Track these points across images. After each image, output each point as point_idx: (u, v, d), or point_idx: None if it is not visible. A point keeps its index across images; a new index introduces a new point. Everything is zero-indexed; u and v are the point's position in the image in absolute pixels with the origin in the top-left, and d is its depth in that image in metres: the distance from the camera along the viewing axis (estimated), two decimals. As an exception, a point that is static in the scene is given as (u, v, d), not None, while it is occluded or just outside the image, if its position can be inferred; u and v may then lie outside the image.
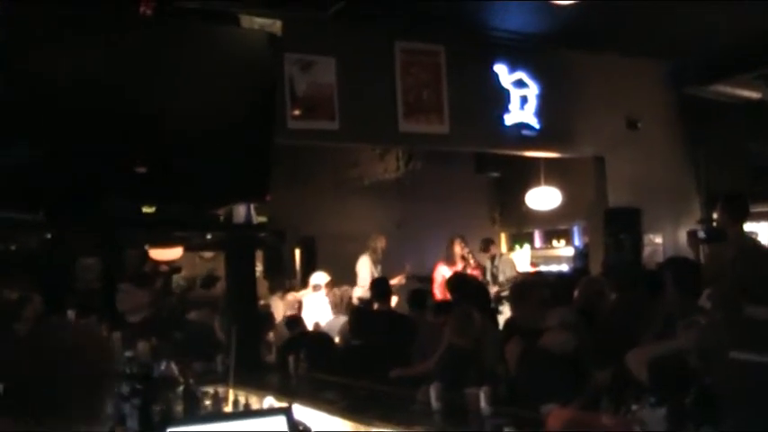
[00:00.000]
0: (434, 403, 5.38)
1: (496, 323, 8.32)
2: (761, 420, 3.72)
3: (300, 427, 3.85)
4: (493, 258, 12.80)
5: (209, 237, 7.22)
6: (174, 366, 3.55)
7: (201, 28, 4.71)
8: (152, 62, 4.49)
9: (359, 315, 8.87)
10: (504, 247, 15.49)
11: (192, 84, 4.51)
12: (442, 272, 11.54)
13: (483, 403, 5.09)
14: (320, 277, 10.62)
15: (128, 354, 3.74)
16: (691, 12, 9.27)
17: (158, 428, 3.27)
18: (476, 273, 11.51)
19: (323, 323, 9.50)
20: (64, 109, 4.17)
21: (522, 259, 14.41)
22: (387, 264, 11.78)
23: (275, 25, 4.92)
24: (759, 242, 8.08)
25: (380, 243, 11.78)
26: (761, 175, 11.90)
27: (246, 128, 4.67)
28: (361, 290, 9.60)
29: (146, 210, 4.48)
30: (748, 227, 7.48)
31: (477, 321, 7.01)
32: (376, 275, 11.17)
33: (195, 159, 4.49)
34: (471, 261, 11.59)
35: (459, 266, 11.51)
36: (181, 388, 3.53)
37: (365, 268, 11.50)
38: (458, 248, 11.63)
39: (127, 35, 4.53)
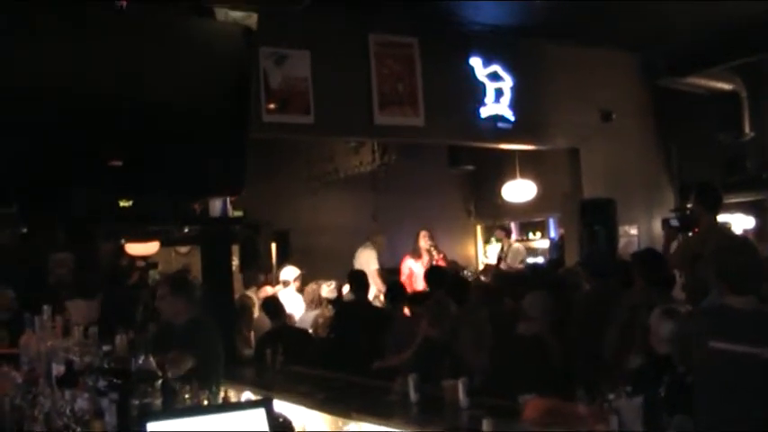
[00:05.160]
0: (412, 395, 5.39)
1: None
2: (737, 408, 3.76)
3: (280, 419, 3.85)
4: (502, 247, 13.32)
5: (186, 230, 7.20)
6: (152, 360, 3.53)
7: (177, 21, 4.69)
8: (127, 55, 4.47)
9: (339, 308, 8.89)
10: (479, 239, 15.58)
11: (168, 77, 4.50)
12: (409, 264, 11.77)
13: (461, 394, 5.11)
14: (290, 272, 10.60)
15: (105, 348, 3.71)
16: (663, 4, 9.35)
17: (137, 423, 3.26)
18: (442, 264, 11.63)
19: (296, 318, 9.50)
20: (38, 102, 4.14)
21: (497, 252, 14.50)
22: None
23: (251, 18, 4.91)
24: (733, 232, 8.16)
25: (383, 238, 11.97)
26: (733, 165, 12.03)
27: (222, 121, 4.66)
28: (327, 289, 9.61)
29: (122, 203, 4.46)
30: (721, 218, 7.55)
31: (453, 313, 7.06)
32: (374, 264, 11.46)
33: (171, 152, 4.48)
34: (435, 254, 11.71)
35: (425, 259, 11.65)
36: (159, 382, 3.51)
37: (372, 261, 11.59)
38: (423, 242, 11.77)
39: (102, 28, 4.50)
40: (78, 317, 6.33)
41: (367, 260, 11.64)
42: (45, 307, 4.38)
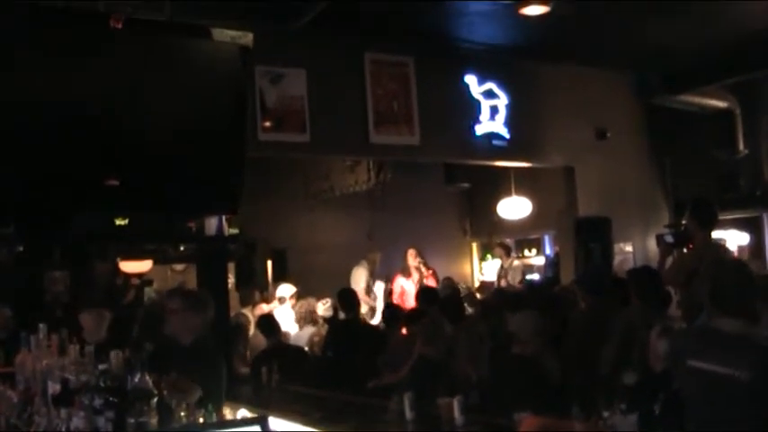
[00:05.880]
0: (408, 413, 5.39)
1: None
2: (719, 427, 3.78)
3: (275, 438, 3.85)
4: (502, 265, 13.45)
5: (181, 249, 7.18)
6: (147, 378, 3.53)
7: (172, 41, 4.71)
8: (123, 75, 4.49)
9: (333, 327, 8.90)
10: (475, 256, 15.60)
11: (164, 96, 4.52)
12: (401, 283, 11.89)
13: (456, 412, 5.11)
14: (286, 289, 10.61)
15: (101, 366, 3.71)
16: (657, 24, 9.42)
17: (133, 441, 3.27)
18: (431, 280, 11.71)
19: (291, 335, 9.50)
20: (34, 122, 4.16)
21: (493, 269, 14.55)
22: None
23: (246, 37, 4.92)
24: (727, 249, 8.17)
25: (377, 257, 12.06)
26: (727, 183, 12.07)
27: (218, 140, 4.68)
28: (323, 307, 9.65)
29: (118, 222, 4.47)
30: (715, 234, 7.57)
31: (447, 331, 7.06)
32: (372, 286, 11.64)
33: (167, 172, 4.50)
34: (424, 270, 11.79)
35: (415, 276, 11.72)
36: (155, 400, 3.51)
37: (362, 279, 11.69)
38: (411, 260, 11.86)
39: (97, 48, 4.52)
40: (92, 329, 6.32)
41: (358, 278, 11.73)
42: (41, 325, 4.38)
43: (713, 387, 3.78)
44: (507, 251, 13.82)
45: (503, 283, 12.90)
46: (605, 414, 4.19)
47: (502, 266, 13.48)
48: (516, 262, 13.82)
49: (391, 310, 9.09)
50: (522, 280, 13.05)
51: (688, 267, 6.38)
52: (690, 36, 9.86)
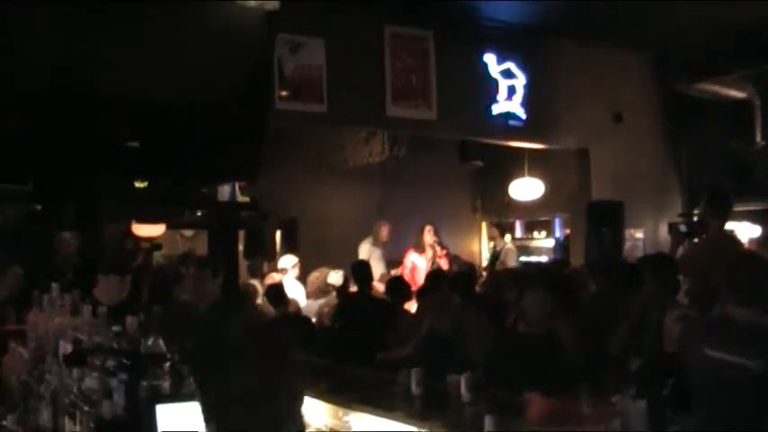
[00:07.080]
0: (415, 388, 5.38)
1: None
2: (729, 416, 3.79)
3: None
4: (495, 246, 13.45)
5: (198, 214, 7.17)
6: (161, 342, 3.52)
7: (196, 2, 4.68)
8: (145, 36, 4.47)
9: (342, 299, 8.90)
10: (484, 235, 15.55)
11: (187, 59, 4.50)
12: (412, 258, 11.71)
13: (464, 390, 5.11)
14: (287, 260, 10.59)
15: (115, 328, 3.70)
16: (678, 8, 9.35)
17: (146, 404, 3.26)
18: (444, 260, 11.61)
19: (300, 305, 9.50)
20: (57, 83, 4.14)
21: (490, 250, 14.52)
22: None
23: (272, 3, 4.89)
24: (739, 240, 8.14)
25: (384, 230, 11.92)
26: (742, 173, 12.00)
27: (241, 106, 4.66)
28: (335, 276, 9.61)
29: (138, 184, 4.47)
30: (728, 225, 7.54)
31: (457, 307, 7.05)
32: (374, 260, 11.40)
33: (188, 136, 4.48)
34: (439, 249, 11.69)
35: (429, 254, 11.63)
36: (168, 364, 3.50)
37: (364, 252, 11.64)
38: (427, 236, 11.75)
39: (120, 8, 4.49)
40: (110, 293, 6.26)
41: (361, 252, 11.69)
42: (54, 285, 4.37)
43: (725, 376, 3.79)
44: (502, 232, 13.69)
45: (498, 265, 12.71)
46: (614, 398, 4.19)
47: (495, 248, 13.35)
48: (509, 245, 13.71)
49: (397, 283, 9.04)
50: (517, 262, 12.91)
51: (702, 258, 6.36)
52: (710, 23, 9.78)
